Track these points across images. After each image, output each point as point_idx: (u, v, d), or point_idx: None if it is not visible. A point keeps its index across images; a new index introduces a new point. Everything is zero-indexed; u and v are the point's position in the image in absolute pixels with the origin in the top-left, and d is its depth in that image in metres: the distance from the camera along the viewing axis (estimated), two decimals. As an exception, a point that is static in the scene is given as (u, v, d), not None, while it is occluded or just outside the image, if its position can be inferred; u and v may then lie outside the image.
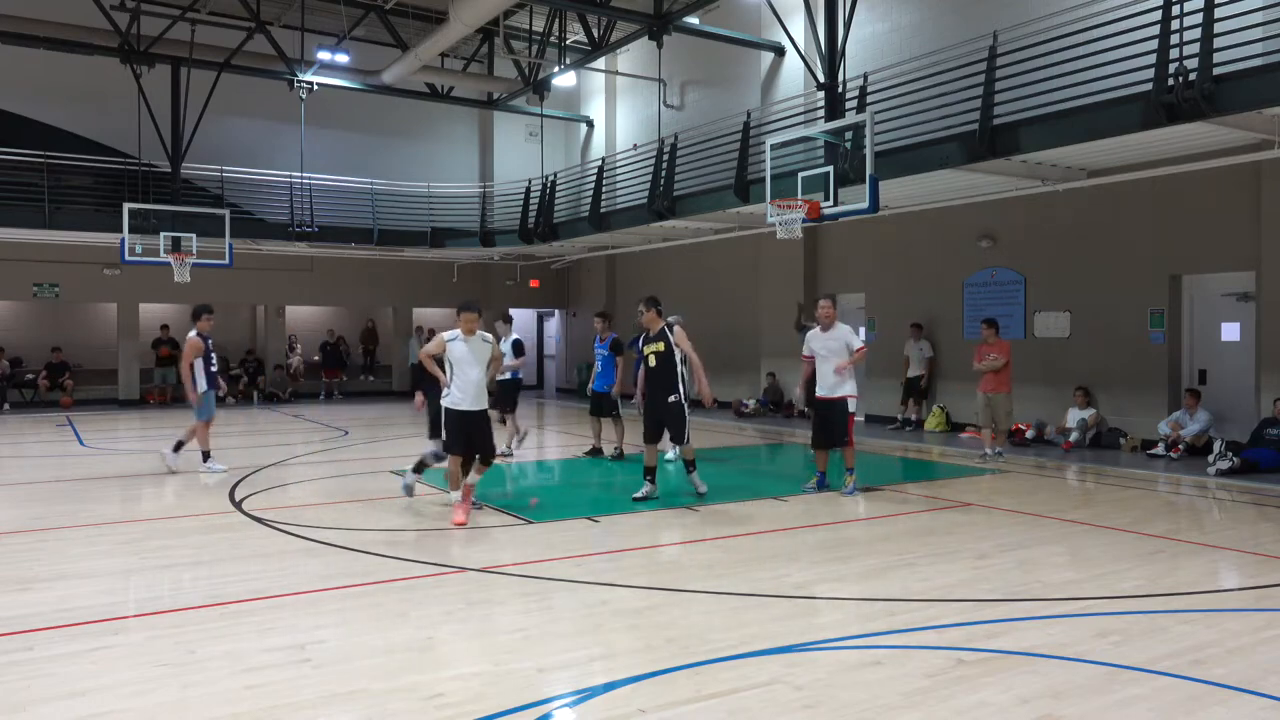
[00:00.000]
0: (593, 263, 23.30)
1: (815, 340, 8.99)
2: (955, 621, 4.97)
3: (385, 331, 23.63)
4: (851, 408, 8.88)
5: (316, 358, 22.48)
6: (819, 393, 8.96)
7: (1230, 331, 11.87)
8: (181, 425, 15.83)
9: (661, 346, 8.65)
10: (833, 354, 8.83)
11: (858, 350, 8.86)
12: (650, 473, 8.65)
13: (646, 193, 16.36)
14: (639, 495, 8.51)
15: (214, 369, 10.59)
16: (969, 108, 11.07)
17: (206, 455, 10.46)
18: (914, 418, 14.91)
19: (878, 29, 15.42)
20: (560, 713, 3.85)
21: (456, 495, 7.64)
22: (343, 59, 19.39)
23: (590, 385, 11.83)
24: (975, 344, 14.13)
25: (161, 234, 17.25)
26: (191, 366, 10.32)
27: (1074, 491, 9.47)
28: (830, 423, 8.89)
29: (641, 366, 8.96)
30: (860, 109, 12.16)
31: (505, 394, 11.33)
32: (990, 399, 11.46)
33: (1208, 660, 4.36)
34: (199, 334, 10.37)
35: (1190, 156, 10.74)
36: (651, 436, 8.74)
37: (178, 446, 10.36)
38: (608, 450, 11.56)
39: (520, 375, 11.83)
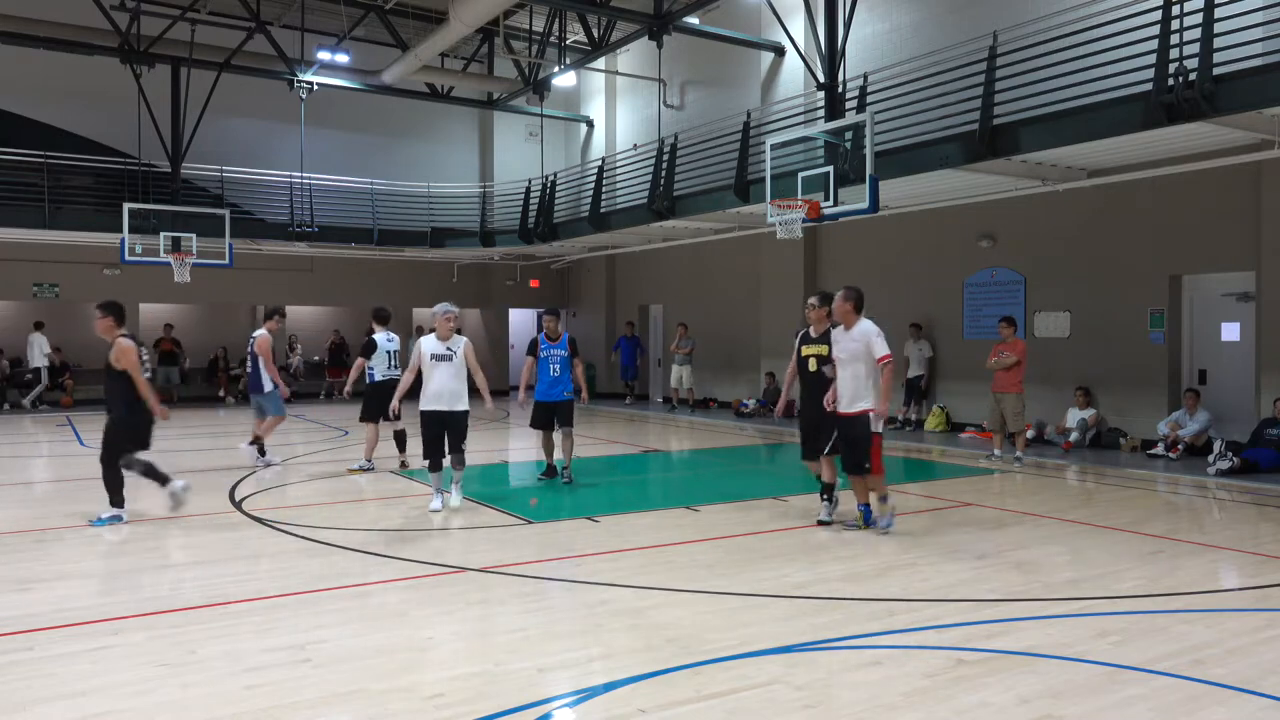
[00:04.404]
0: (593, 263, 23.30)
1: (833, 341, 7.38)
2: (955, 621, 4.97)
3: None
4: (874, 426, 7.15)
5: (317, 357, 22.55)
6: (840, 406, 7.25)
7: (1230, 331, 11.87)
8: (182, 425, 15.96)
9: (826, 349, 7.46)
10: (854, 358, 7.13)
11: (880, 359, 7.03)
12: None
13: (646, 193, 16.36)
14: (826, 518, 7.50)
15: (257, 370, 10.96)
16: (969, 108, 11.07)
17: (262, 448, 11.04)
18: (914, 418, 14.92)
19: (877, 29, 15.42)
20: (560, 713, 3.85)
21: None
22: (343, 59, 19.39)
23: (533, 394, 9.71)
24: (974, 343, 14.24)
25: (161, 234, 17.26)
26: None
27: (1074, 491, 9.47)
28: (852, 443, 7.20)
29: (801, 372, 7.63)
30: (860, 109, 12.17)
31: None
32: (999, 399, 11.25)
33: (1207, 660, 4.37)
34: (269, 332, 10.94)
35: (1190, 156, 10.74)
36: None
37: (256, 444, 10.97)
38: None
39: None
